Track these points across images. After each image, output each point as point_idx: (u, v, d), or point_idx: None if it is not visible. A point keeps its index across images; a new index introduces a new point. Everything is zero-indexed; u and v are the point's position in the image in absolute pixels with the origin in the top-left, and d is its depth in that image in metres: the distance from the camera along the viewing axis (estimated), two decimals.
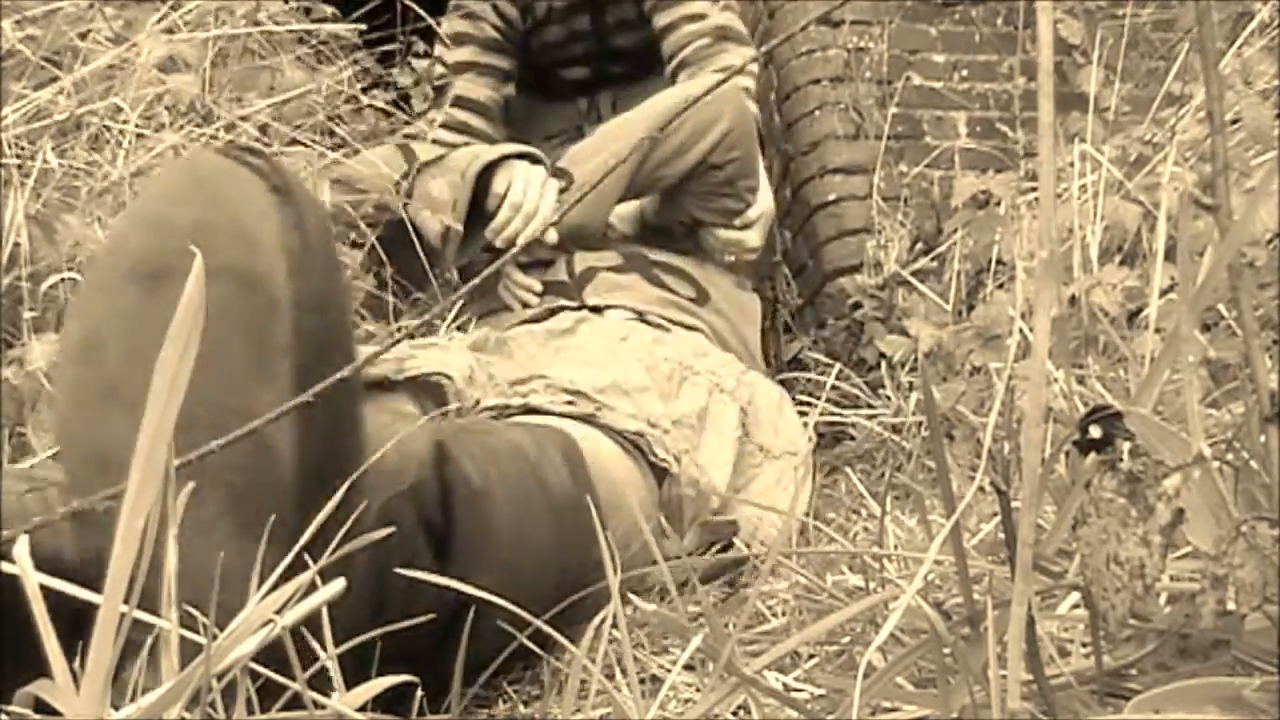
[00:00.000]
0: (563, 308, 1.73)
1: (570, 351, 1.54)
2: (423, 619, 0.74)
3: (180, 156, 0.72)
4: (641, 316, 1.72)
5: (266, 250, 0.70)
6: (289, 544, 0.64)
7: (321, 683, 0.58)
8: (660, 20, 2.09)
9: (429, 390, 1.41)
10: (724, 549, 1.33)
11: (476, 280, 0.73)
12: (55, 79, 1.55)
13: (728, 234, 1.91)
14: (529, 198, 1.77)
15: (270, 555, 0.64)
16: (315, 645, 0.60)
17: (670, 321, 1.73)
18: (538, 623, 0.73)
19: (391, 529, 0.66)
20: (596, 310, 1.71)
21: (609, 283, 1.77)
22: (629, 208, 1.92)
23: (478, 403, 1.36)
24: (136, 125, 1.56)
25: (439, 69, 2.14)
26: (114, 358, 0.70)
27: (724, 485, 1.40)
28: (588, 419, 1.27)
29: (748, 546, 1.27)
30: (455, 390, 1.38)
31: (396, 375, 1.39)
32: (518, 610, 0.73)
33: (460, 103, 2.14)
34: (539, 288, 1.81)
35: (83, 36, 1.64)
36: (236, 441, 0.60)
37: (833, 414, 2.00)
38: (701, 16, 2.07)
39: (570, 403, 1.30)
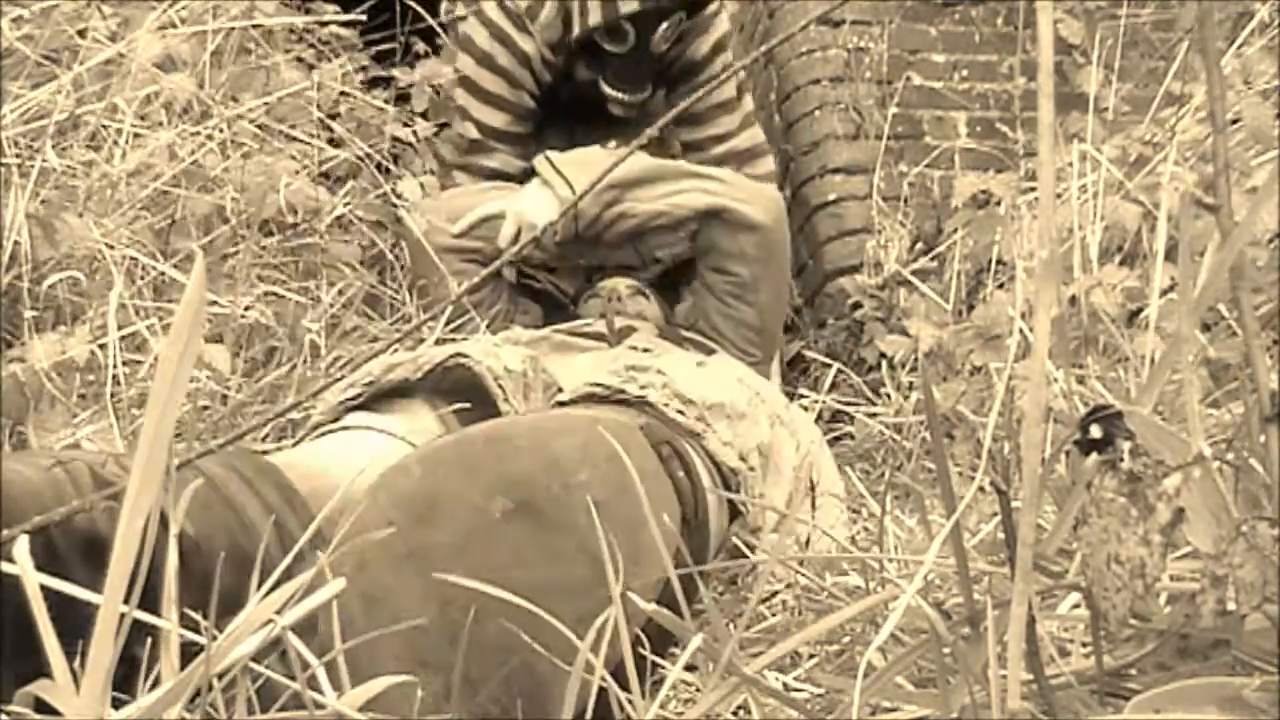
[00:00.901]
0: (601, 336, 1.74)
1: (670, 358, 1.51)
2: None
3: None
4: None
5: None
6: None
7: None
8: (685, 136, 2.09)
9: (443, 393, 1.37)
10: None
11: (477, 280, 0.73)
12: (54, 78, 1.55)
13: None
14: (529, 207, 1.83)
15: None
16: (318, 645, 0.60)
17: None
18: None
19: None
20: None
21: (648, 340, 1.75)
22: (656, 313, 1.95)
23: (518, 373, 1.33)
24: (133, 125, 1.56)
25: (470, 130, 2.08)
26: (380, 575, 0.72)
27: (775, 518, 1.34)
28: (693, 436, 1.23)
29: (749, 549, 1.27)
30: (483, 366, 1.34)
31: (415, 375, 1.36)
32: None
33: (491, 173, 2.11)
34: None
35: (81, 35, 1.64)
36: (239, 440, 0.60)
37: (840, 403, 2.00)
38: (727, 136, 2.08)
39: (680, 411, 1.25)
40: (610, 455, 0.79)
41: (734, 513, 1.26)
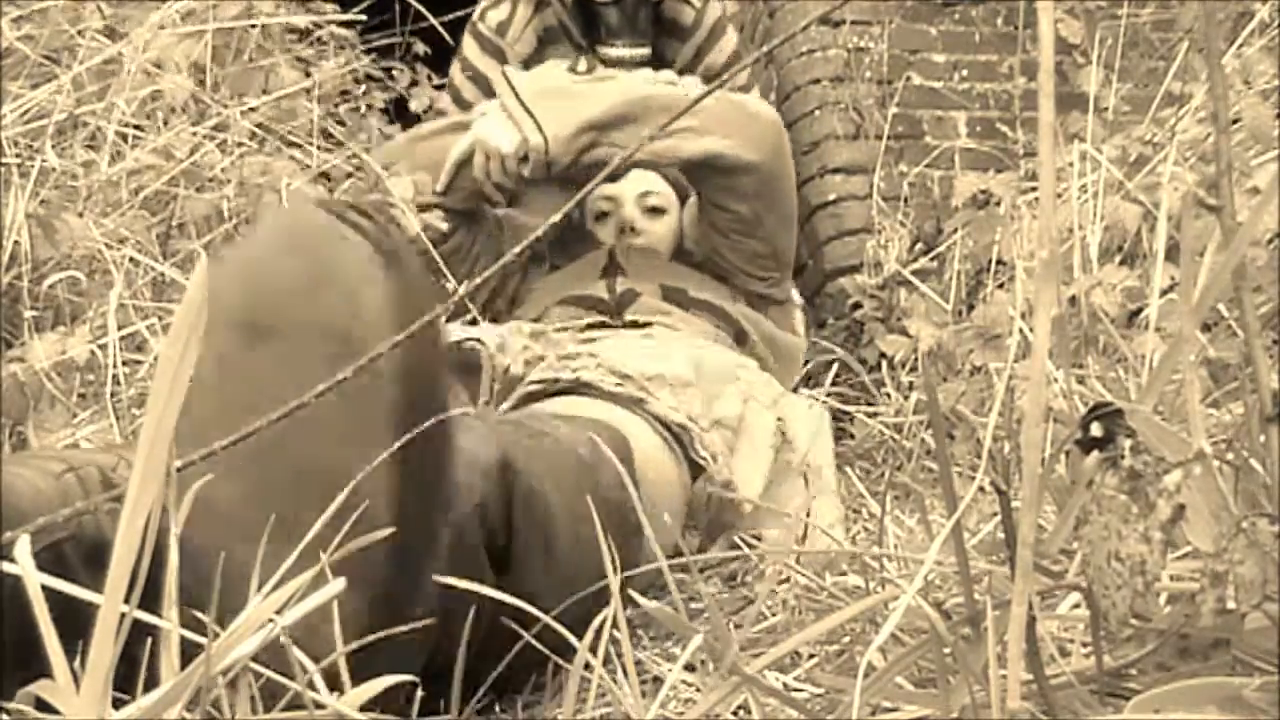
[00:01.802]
0: (603, 324, 1.69)
1: (617, 340, 1.53)
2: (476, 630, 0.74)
3: (282, 208, 0.69)
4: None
5: (370, 317, 0.69)
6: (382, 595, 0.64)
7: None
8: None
9: (454, 370, 1.40)
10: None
11: (498, 266, 0.73)
12: (53, 77, 1.55)
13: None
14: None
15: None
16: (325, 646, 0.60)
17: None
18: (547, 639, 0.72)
19: (394, 530, 0.66)
20: (637, 325, 1.67)
21: (649, 306, 1.72)
22: (669, 236, 1.88)
23: (514, 375, 1.35)
24: (128, 125, 1.56)
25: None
26: (204, 410, 0.68)
27: (756, 497, 1.36)
28: (635, 403, 1.27)
29: (750, 547, 1.27)
30: (489, 355, 1.38)
31: None
32: (545, 634, 0.73)
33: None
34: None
35: (80, 33, 1.64)
36: (241, 440, 0.60)
37: (840, 403, 2.00)
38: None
39: (619, 384, 1.28)
40: None
41: (697, 469, 1.29)
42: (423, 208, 1.73)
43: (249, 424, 0.59)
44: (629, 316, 1.69)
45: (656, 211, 1.88)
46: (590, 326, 1.67)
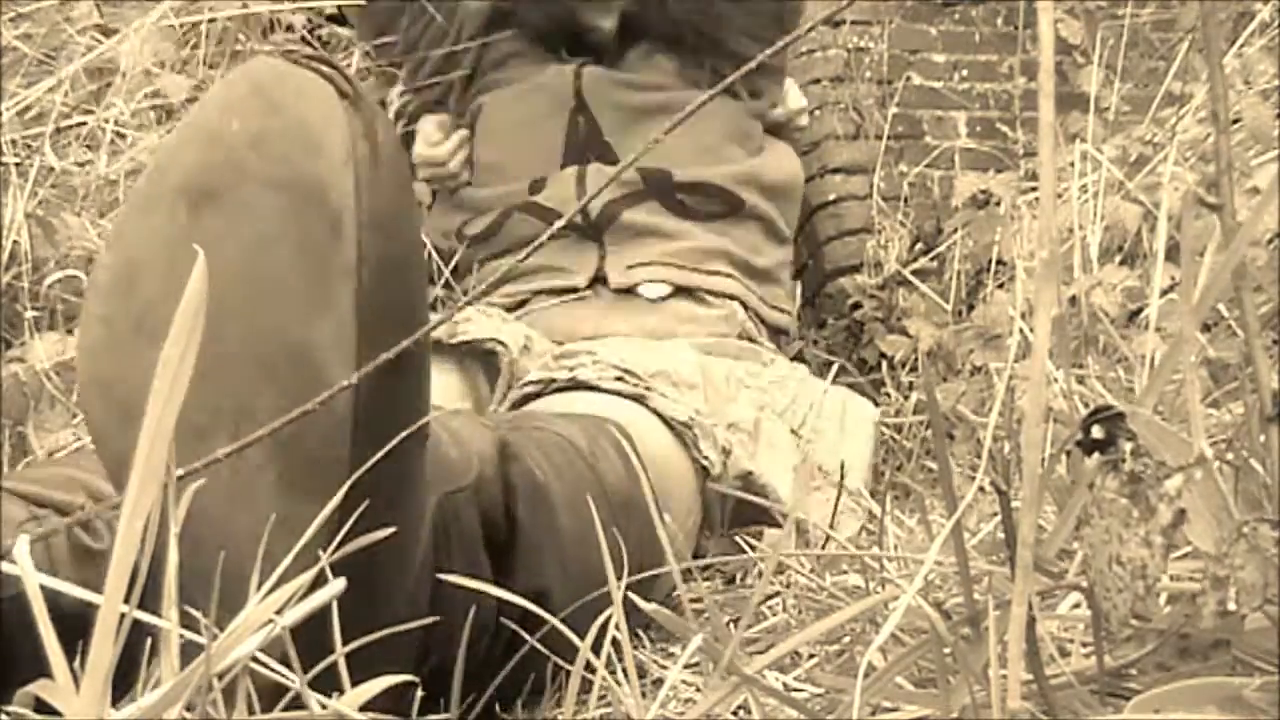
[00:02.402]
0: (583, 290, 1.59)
1: (616, 341, 1.46)
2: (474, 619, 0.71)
3: (238, 66, 0.61)
4: (677, 290, 1.59)
5: (332, 160, 0.62)
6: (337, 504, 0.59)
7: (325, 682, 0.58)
8: None
9: (477, 356, 1.39)
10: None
11: (500, 275, 0.72)
12: (52, 75, 1.55)
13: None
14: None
15: (313, 515, 0.59)
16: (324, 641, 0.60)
17: (709, 294, 1.60)
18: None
19: (394, 530, 0.64)
20: (628, 292, 1.58)
21: (630, 231, 1.60)
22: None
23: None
24: (123, 124, 1.56)
25: None
26: (150, 288, 0.64)
27: (784, 500, 1.30)
28: (637, 399, 1.22)
29: (750, 546, 1.27)
30: (510, 360, 1.36)
31: (449, 339, 1.35)
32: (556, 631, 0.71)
33: None
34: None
35: (81, 32, 1.64)
36: (247, 445, 0.60)
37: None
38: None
39: (619, 379, 1.24)
40: None
41: (703, 469, 1.24)
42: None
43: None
44: (611, 270, 1.59)
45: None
46: (568, 290, 1.58)
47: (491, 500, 0.82)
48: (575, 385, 1.25)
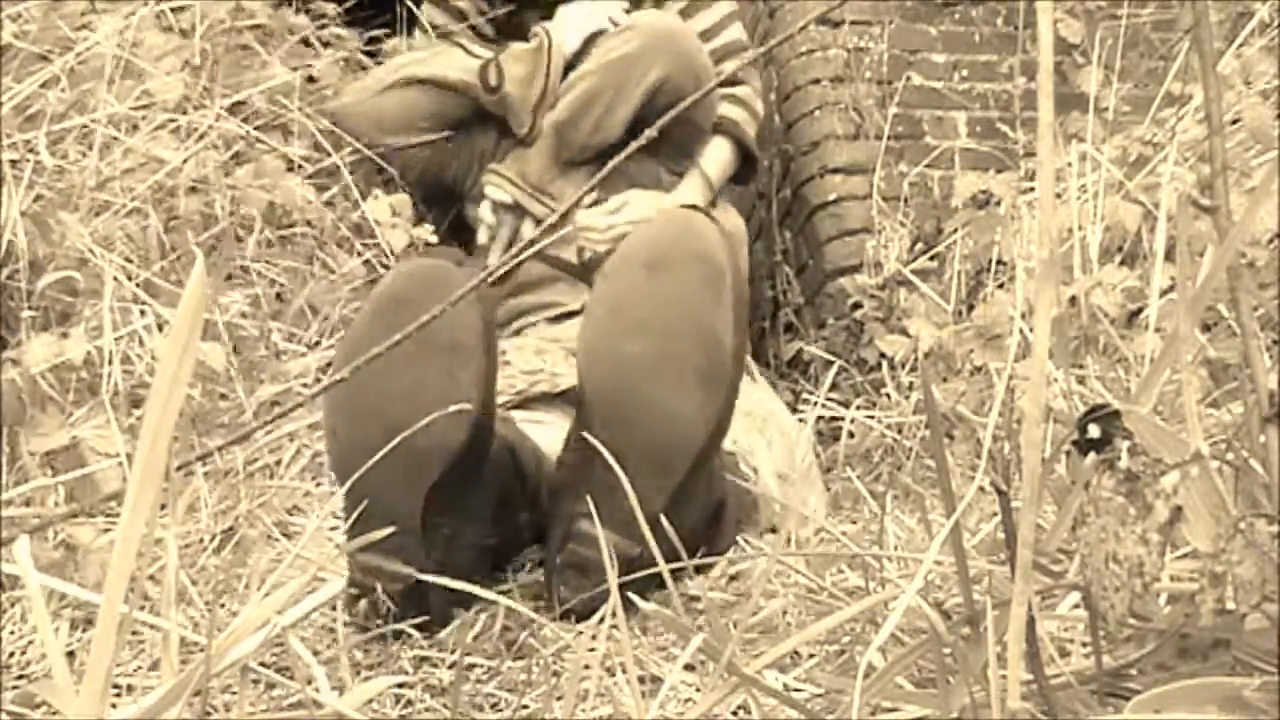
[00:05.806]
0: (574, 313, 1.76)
1: None
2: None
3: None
4: None
5: (720, 253, 1.21)
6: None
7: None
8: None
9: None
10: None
11: (513, 257, 0.73)
12: (51, 75, 1.55)
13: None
14: None
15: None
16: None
17: None
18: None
19: None
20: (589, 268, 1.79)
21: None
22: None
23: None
24: (120, 124, 1.56)
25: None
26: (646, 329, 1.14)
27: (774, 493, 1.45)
28: None
29: (749, 544, 1.27)
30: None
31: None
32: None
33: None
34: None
35: (78, 29, 1.64)
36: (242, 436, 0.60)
37: (833, 414, 2.00)
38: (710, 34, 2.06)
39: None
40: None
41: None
42: (415, 222, 1.85)
43: None
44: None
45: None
46: (563, 315, 1.79)
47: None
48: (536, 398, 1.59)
